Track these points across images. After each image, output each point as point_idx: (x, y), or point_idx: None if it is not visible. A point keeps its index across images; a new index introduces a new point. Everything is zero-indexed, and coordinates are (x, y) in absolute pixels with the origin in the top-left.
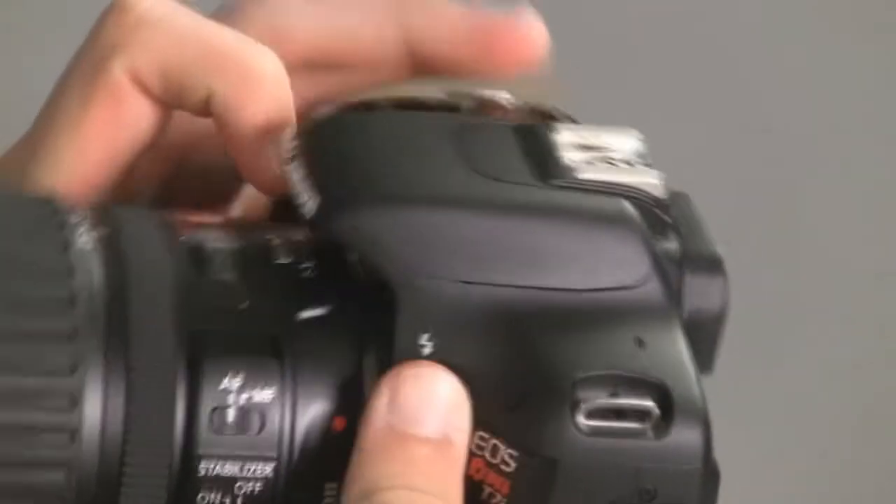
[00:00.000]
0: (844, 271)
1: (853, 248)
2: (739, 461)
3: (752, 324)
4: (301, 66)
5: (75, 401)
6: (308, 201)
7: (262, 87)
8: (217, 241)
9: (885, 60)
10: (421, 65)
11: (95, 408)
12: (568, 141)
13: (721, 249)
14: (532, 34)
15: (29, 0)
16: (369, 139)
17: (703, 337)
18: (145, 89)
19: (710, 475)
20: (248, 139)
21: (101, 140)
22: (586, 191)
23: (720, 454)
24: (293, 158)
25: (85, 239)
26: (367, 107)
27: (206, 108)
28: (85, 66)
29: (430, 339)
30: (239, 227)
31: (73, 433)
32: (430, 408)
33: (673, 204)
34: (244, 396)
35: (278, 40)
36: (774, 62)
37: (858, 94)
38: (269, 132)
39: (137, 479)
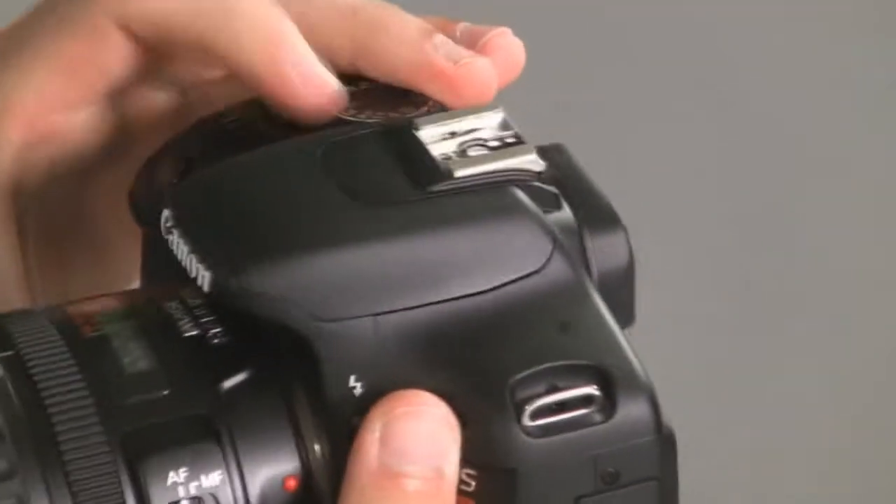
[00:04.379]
0: (844, 271)
1: (853, 248)
2: (741, 461)
3: (752, 323)
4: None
5: None
6: (199, 276)
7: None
8: (121, 331)
9: (886, 60)
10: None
11: None
12: (434, 134)
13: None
14: (484, 78)
15: None
16: (239, 192)
17: (618, 292)
18: (132, 35)
19: (665, 441)
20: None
21: (76, 71)
22: (468, 190)
23: (721, 454)
24: (171, 230)
25: None
26: (218, 118)
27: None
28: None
29: (358, 380)
30: (133, 302)
31: None
32: (421, 444)
33: (551, 161)
34: (194, 485)
35: None
36: (774, 62)
37: (858, 95)
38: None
39: None
